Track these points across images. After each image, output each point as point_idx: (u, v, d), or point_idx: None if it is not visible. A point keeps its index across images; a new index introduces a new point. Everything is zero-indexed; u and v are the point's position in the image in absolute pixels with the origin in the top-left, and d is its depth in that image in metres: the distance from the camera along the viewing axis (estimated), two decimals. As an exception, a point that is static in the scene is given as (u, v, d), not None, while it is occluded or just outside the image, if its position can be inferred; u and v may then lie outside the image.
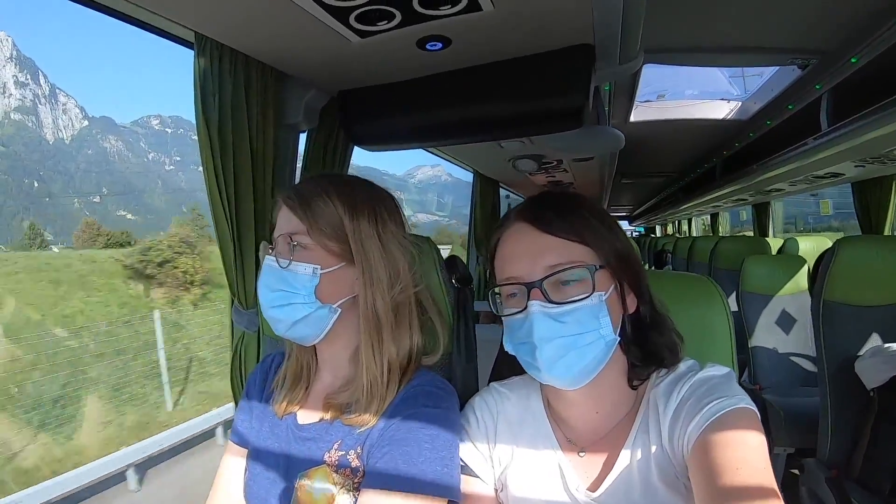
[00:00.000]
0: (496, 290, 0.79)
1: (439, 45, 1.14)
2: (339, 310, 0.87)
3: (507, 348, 0.79)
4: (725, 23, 1.72)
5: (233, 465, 0.97)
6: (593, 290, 0.73)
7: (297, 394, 0.93)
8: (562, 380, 0.74)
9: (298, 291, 0.84)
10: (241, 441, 0.97)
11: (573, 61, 1.23)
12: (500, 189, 3.70)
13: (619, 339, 0.76)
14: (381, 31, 1.07)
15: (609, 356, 0.75)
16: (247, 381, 1.05)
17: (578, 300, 0.72)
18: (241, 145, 1.28)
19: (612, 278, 0.77)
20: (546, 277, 0.73)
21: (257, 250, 1.37)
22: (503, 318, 0.79)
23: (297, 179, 1.49)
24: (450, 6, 0.98)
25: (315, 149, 1.58)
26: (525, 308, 0.73)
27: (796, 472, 1.91)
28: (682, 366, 0.78)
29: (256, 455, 0.93)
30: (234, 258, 1.35)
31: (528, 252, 0.76)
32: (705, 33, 1.79)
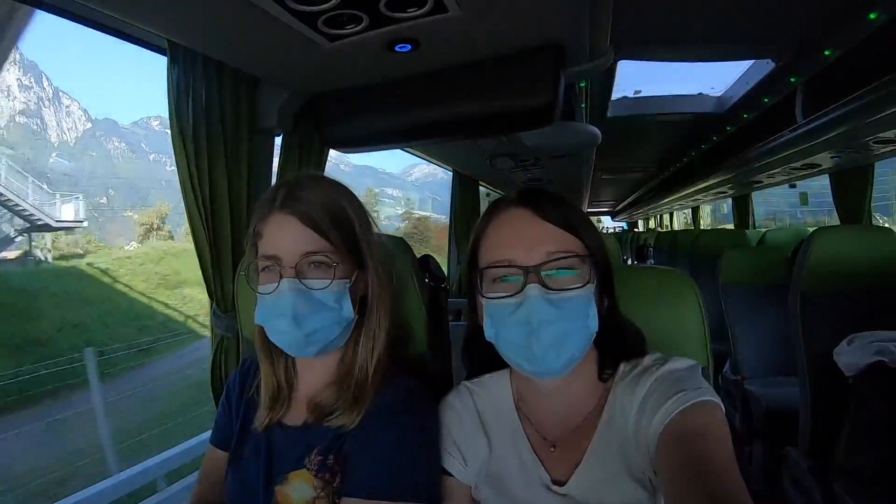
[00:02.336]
0: (483, 272, 0.78)
1: (408, 46, 1.15)
2: (357, 316, 0.86)
3: (488, 334, 0.78)
4: (698, 16, 1.73)
5: (214, 469, 0.96)
6: (588, 280, 0.74)
7: (280, 404, 0.91)
8: (549, 367, 0.74)
9: (336, 310, 0.82)
10: (222, 444, 0.97)
11: (541, 60, 1.24)
12: (480, 187, 3.72)
13: (596, 331, 0.76)
14: (350, 35, 1.07)
15: (588, 348, 0.76)
16: (226, 386, 1.04)
17: (575, 288, 0.73)
18: (216, 150, 1.28)
19: (596, 272, 0.77)
20: (545, 263, 0.73)
21: (233, 254, 1.37)
22: (488, 301, 0.77)
23: (273, 183, 1.48)
24: (416, 8, 0.98)
25: (290, 152, 1.58)
26: (521, 292, 0.73)
27: (777, 459, 1.93)
28: (648, 359, 0.79)
29: (236, 459, 0.92)
30: (210, 263, 1.34)
31: (527, 237, 0.75)
32: (678, 27, 1.80)
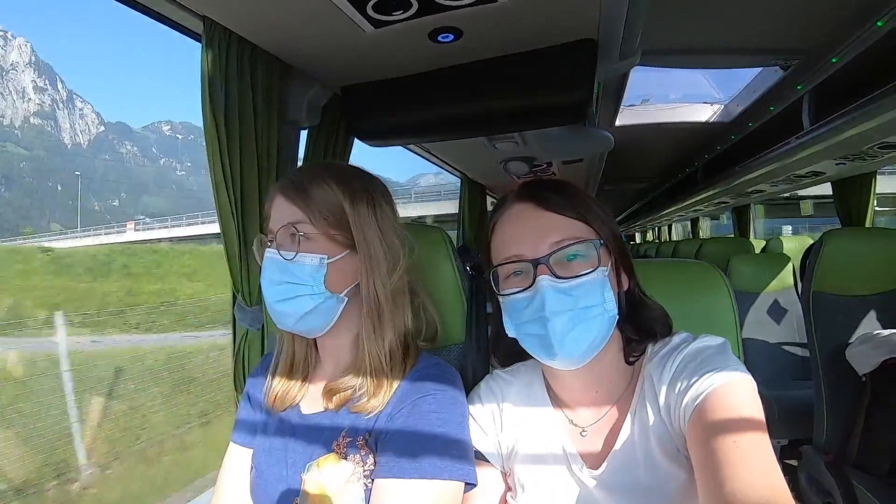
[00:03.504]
0: (496, 270, 0.80)
1: (451, 36, 1.15)
2: (347, 299, 0.87)
3: (509, 331, 0.80)
4: (710, 24, 1.77)
5: (237, 466, 0.95)
6: (598, 264, 0.75)
7: (294, 385, 0.92)
8: (570, 356, 0.74)
9: (306, 283, 0.83)
10: (245, 441, 0.96)
11: (577, 56, 1.25)
12: (487, 196, 3.72)
13: (617, 314, 0.77)
14: (395, 21, 1.08)
15: (611, 332, 0.77)
16: (248, 379, 1.04)
17: (585, 274, 0.74)
18: (247, 141, 1.27)
19: (610, 255, 0.79)
20: (552, 253, 0.74)
21: None
22: (504, 298, 0.79)
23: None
24: (467, -6, 0.99)
25: (316, 146, 1.58)
26: (532, 284, 0.74)
27: (791, 462, 1.95)
28: (676, 338, 0.80)
29: (262, 451, 0.91)
30: (238, 254, 1.33)
31: (532, 230, 0.77)
32: (691, 35, 1.84)
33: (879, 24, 1.53)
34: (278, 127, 1.35)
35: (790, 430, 2.27)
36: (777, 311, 2.72)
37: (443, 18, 1.08)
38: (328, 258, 0.84)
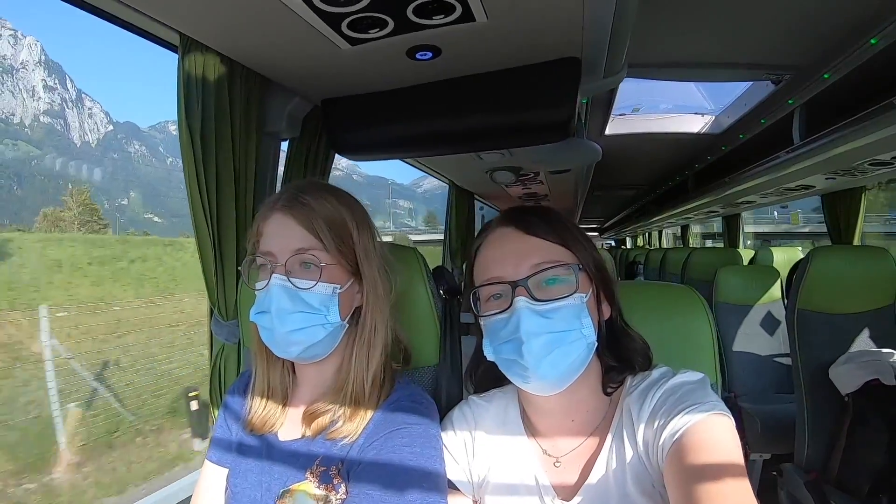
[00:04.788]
0: (476, 292, 0.80)
1: (429, 54, 1.14)
2: (347, 325, 0.86)
3: (488, 353, 0.79)
4: (702, 39, 1.76)
5: (212, 486, 0.93)
6: (577, 289, 0.75)
7: (273, 411, 0.90)
8: (546, 379, 0.73)
9: (321, 313, 0.81)
10: (220, 460, 0.94)
11: (561, 74, 1.24)
12: (475, 201, 3.71)
13: (597, 342, 0.77)
14: (372, 39, 1.06)
15: (589, 359, 0.76)
16: (225, 396, 1.02)
17: (563, 298, 0.74)
18: (224, 152, 1.25)
19: (591, 283, 0.78)
20: (531, 276, 0.74)
21: (237, 260, 1.33)
22: (483, 320, 0.79)
23: (278, 188, 1.46)
24: (444, 16, 0.98)
25: (296, 157, 1.56)
26: (510, 306, 0.74)
27: (775, 474, 1.95)
28: (656, 372, 0.78)
29: (237, 473, 0.90)
30: (214, 267, 1.31)
31: (512, 253, 0.77)
32: (682, 48, 1.83)
33: (873, 41, 1.52)
34: (257, 138, 1.33)
35: (774, 445, 2.27)
36: (763, 325, 2.72)
37: (420, 37, 1.07)
38: (340, 287, 0.83)
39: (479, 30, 1.04)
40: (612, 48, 1.18)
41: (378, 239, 0.91)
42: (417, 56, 1.15)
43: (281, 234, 0.81)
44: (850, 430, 1.71)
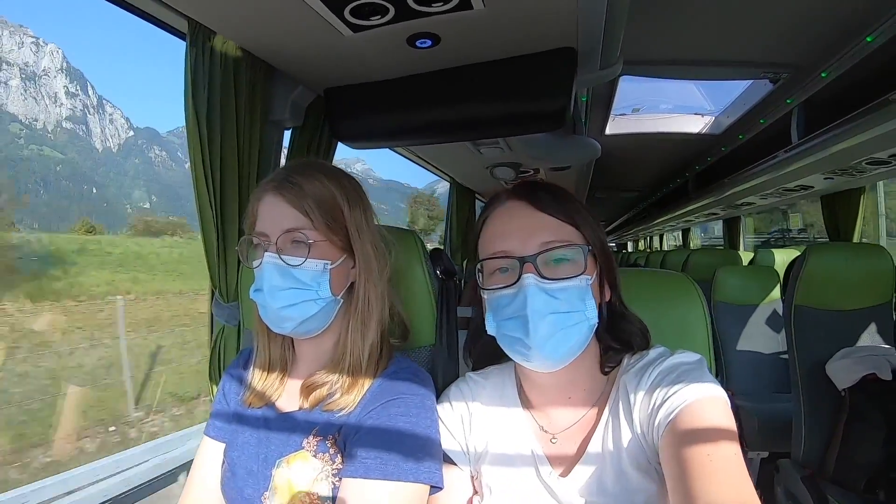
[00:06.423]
0: (482, 265, 0.80)
1: (429, 42, 1.17)
2: (342, 300, 0.88)
3: (489, 328, 0.79)
4: (700, 37, 1.77)
5: (209, 460, 0.95)
6: (584, 271, 0.74)
7: (271, 383, 0.92)
8: (547, 358, 0.74)
9: (311, 288, 0.83)
10: (218, 436, 0.96)
11: (557, 64, 1.26)
12: (476, 200, 3.73)
13: (597, 323, 0.77)
14: (373, 26, 1.09)
15: (589, 339, 0.77)
16: (224, 373, 1.04)
17: (570, 278, 0.74)
18: (229, 139, 1.28)
19: (596, 265, 0.79)
20: (541, 253, 0.74)
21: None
22: (487, 294, 0.78)
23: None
24: (442, 3, 1.00)
25: (299, 146, 1.59)
26: (517, 282, 0.74)
27: (771, 472, 1.95)
28: (653, 352, 0.79)
29: (234, 446, 0.92)
30: (216, 251, 1.33)
31: (522, 228, 0.76)
32: (680, 46, 1.85)
33: (869, 39, 1.54)
34: (261, 126, 1.36)
35: (771, 443, 2.26)
36: (761, 324, 2.72)
37: (420, 24, 1.09)
38: (331, 263, 0.85)
39: (477, 18, 1.07)
40: (607, 39, 1.20)
41: (371, 213, 0.92)
42: (417, 44, 1.17)
43: (272, 214, 0.84)
44: (846, 426, 1.71)
